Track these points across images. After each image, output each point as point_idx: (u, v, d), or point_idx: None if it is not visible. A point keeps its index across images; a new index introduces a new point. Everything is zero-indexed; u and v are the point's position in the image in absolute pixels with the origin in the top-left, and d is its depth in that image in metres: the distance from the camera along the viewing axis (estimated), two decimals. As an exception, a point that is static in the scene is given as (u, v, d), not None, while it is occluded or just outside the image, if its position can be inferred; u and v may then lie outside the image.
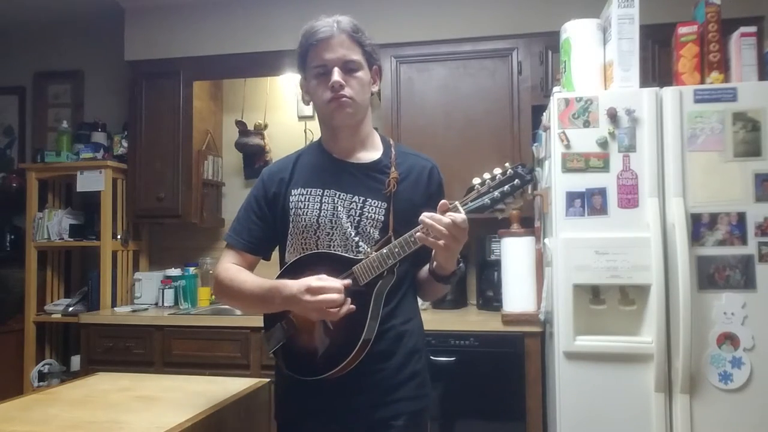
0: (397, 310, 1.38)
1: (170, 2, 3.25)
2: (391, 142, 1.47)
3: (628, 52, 2.09)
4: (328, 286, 1.21)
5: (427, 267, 1.39)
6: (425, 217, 1.19)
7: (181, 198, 3.22)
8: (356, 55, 1.36)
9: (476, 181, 1.22)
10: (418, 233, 1.21)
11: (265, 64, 3.18)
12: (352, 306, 1.23)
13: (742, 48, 2.10)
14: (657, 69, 2.69)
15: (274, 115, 3.49)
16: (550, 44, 2.76)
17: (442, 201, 1.22)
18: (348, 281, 1.25)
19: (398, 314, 1.38)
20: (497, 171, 1.22)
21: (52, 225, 3.34)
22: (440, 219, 1.18)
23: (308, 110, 3.43)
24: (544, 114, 2.32)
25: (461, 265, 1.34)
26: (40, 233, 3.35)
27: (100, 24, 3.57)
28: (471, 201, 1.21)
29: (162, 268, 3.40)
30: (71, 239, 3.34)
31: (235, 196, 3.52)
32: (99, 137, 3.46)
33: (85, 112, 3.72)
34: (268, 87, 3.49)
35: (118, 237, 3.34)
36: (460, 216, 1.18)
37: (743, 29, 2.12)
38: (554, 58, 2.75)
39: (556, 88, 2.26)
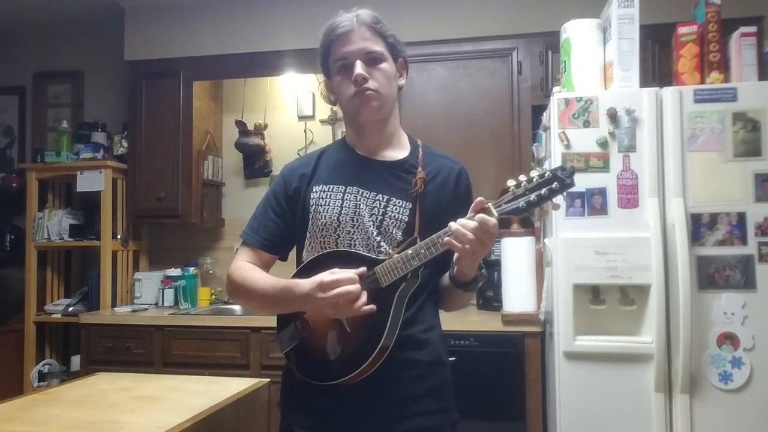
0: (419, 316, 1.30)
1: (170, 2, 3.25)
2: (419, 142, 1.41)
3: (628, 52, 2.09)
4: (342, 278, 1.14)
5: (447, 274, 1.31)
6: (453, 224, 1.12)
7: (181, 198, 3.22)
8: (378, 47, 1.30)
9: (511, 182, 1.13)
10: (446, 238, 1.13)
11: (265, 64, 3.18)
12: (372, 306, 1.15)
13: (742, 48, 2.10)
14: (657, 69, 2.69)
15: (274, 115, 3.49)
16: (550, 44, 2.76)
17: (478, 199, 1.14)
18: (363, 269, 1.17)
19: (420, 321, 1.30)
20: (534, 173, 1.13)
21: (52, 225, 3.35)
22: (466, 224, 1.11)
23: (308, 110, 3.45)
24: (544, 114, 2.32)
25: (483, 270, 1.26)
26: (40, 233, 3.35)
27: (100, 24, 3.57)
28: (505, 203, 1.12)
29: (162, 268, 3.40)
30: (71, 239, 3.34)
31: (235, 196, 3.53)
32: (99, 137, 3.47)
33: (85, 112, 3.72)
34: (268, 87, 3.49)
35: (118, 237, 3.34)
36: (492, 220, 1.11)
37: (743, 29, 2.12)
38: (554, 58, 2.75)
39: (556, 88, 2.26)
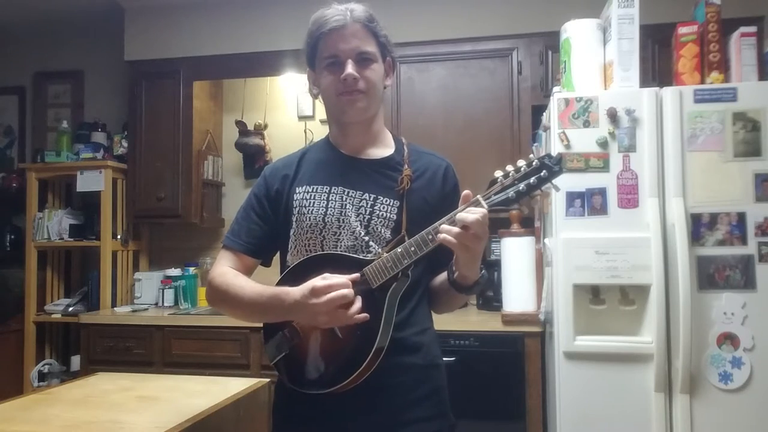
0: (412, 318, 1.26)
1: (170, 2, 3.25)
2: (404, 140, 1.37)
3: (628, 52, 2.09)
4: (334, 283, 1.10)
5: (443, 276, 1.27)
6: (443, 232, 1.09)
7: (181, 198, 3.22)
8: (371, 47, 1.26)
9: (498, 173, 1.12)
10: (439, 235, 1.10)
11: (265, 64, 3.18)
12: (366, 315, 1.12)
13: (742, 48, 2.10)
14: (657, 69, 2.69)
15: (274, 115, 3.49)
16: (550, 44, 2.76)
17: (465, 192, 1.12)
18: (356, 275, 1.13)
19: (413, 323, 1.27)
20: (521, 162, 1.11)
21: (52, 225, 3.35)
22: (456, 221, 1.08)
23: (308, 110, 3.45)
24: (544, 114, 2.32)
25: (484, 272, 1.21)
26: (40, 233, 3.35)
27: (100, 24, 3.57)
28: (494, 194, 1.10)
29: (162, 268, 3.40)
30: (71, 239, 3.34)
31: (235, 196, 3.52)
32: (99, 137, 3.47)
33: (85, 112, 3.72)
34: (268, 87, 3.49)
35: (118, 237, 3.34)
36: (482, 211, 1.08)
37: (743, 29, 2.12)
38: (554, 58, 2.76)
39: (556, 88, 2.26)
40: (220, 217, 3.53)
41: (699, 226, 2.01)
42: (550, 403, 2.25)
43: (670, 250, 1.99)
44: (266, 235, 1.33)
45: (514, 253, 2.59)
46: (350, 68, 1.23)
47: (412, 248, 1.14)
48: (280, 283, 1.25)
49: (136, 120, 3.30)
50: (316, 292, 1.10)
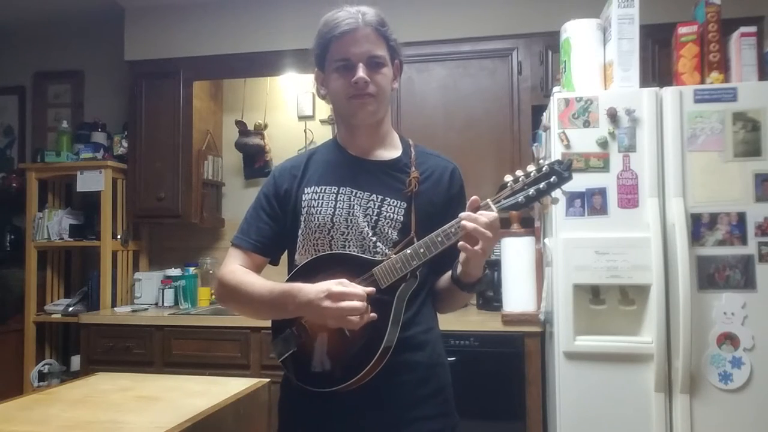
0: (418, 317, 1.29)
1: (170, 2, 3.25)
2: (411, 142, 1.39)
3: (628, 52, 2.09)
4: (351, 292, 1.12)
5: (447, 275, 1.30)
6: (466, 220, 1.12)
7: (181, 198, 3.22)
8: (381, 51, 1.28)
9: (508, 178, 1.14)
10: (461, 242, 1.12)
11: (265, 64, 3.18)
12: (374, 314, 1.14)
13: (742, 48, 2.10)
14: (657, 69, 2.69)
15: (274, 115, 3.49)
16: (550, 44, 2.76)
17: (473, 197, 1.15)
18: (371, 289, 1.15)
19: (419, 322, 1.28)
20: (531, 168, 1.13)
21: (52, 225, 3.34)
22: (477, 218, 1.11)
23: (308, 110, 3.45)
24: (544, 114, 2.32)
25: (487, 271, 1.24)
26: (40, 233, 3.35)
27: (100, 24, 3.57)
28: (504, 198, 1.13)
29: (162, 268, 3.40)
30: (71, 239, 3.34)
31: (235, 196, 3.53)
32: (99, 137, 3.47)
33: (85, 112, 3.72)
34: (268, 87, 3.49)
35: (118, 237, 3.34)
36: (493, 214, 1.11)
37: (743, 29, 2.12)
38: (554, 58, 2.76)
39: (556, 88, 2.27)
40: (220, 217, 3.53)
41: (699, 226, 2.01)
42: (550, 403, 2.25)
43: (670, 250, 1.99)
44: (276, 234, 1.35)
45: (514, 253, 2.59)
46: (361, 72, 1.25)
47: (422, 250, 1.16)
48: (290, 281, 1.26)
49: (136, 120, 3.30)
50: (332, 296, 1.12)
